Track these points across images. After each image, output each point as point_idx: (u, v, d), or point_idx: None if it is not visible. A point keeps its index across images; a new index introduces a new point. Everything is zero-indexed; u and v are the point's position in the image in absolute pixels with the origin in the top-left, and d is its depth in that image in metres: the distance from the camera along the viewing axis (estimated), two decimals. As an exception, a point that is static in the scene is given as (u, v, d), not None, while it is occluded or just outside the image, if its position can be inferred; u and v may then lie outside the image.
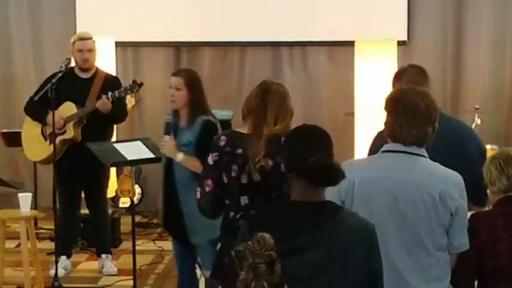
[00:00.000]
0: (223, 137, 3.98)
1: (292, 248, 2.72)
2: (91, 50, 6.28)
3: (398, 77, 4.20)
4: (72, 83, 6.19)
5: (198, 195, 3.96)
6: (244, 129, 3.95)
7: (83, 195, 6.48)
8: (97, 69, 6.37)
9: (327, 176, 2.82)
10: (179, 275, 5.14)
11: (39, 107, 6.15)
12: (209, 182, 3.93)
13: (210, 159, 3.96)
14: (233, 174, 3.90)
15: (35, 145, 6.34)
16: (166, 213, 5.01)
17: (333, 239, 2.79)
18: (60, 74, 5.92)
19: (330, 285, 2.76)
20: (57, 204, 6.13)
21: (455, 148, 3.88)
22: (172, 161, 4.86)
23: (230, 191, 3.91)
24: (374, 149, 3.75)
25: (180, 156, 4.79)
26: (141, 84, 6.19)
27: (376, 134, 4.07)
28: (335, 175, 2.82)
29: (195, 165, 4.71)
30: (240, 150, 3.90)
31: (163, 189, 5.00)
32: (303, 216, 2.81)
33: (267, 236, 2.33)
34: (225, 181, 3.91)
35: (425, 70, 4.23)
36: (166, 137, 4.89)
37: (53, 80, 5.88)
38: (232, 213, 3.91)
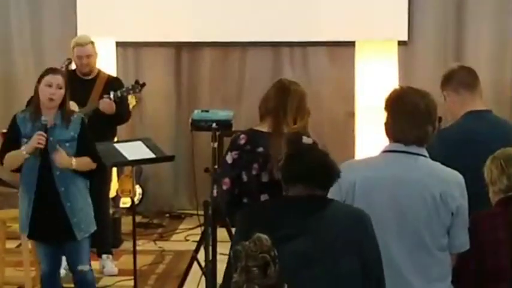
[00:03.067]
0: (242, 136, 4.01)
1: (279, 238, 2.73)
2: (89, 56, 6.25)
3: (449, 78, 4.19)
4: (73, 85, 6.14)
5: (215, 193, 3.99)
6: (263, 128, 3.99)
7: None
8: (99, 71, 6.36)
9: (323, 176, 2.90)
10: (47, 278, 5.07)
11: None
12: (226, 180, 3.96)
13: (229, 158, 3.98)
14: (254, 172, 3.92)
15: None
16: (40, 214, 4.84)
17: (321, 228, 2.85)
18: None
19: (318, 277, 2.80)
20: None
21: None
22: (48, 160, 4.79)
23: (250, 189, 3.93)
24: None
25: (74, 163, 4.80)
26: (143, 85, 6.18)
27: None
28: (331, 175, 2.91)
29: (86, 164, 4.84)
30: (261, 149, 3.93)
31: (35, 192, 4.83)
32: (292, 207, 2.89)
33: (263, 237, 2.34)
34: (245, 179, 3.94)
35: (474, 71, 4.22)
36: (62, 150, 4.79)
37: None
38: None
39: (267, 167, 3.92)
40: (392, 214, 3.24)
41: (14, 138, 4.85)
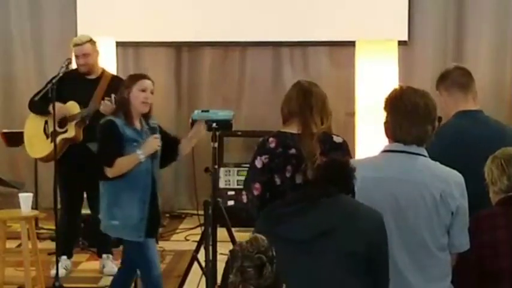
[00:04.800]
0: (272, 139, 3.99)
1: (293, 211, 2.91)
2: (86, 55, 6.20)
3: (443, 78, 4.20)
4: (77, 84, 6.17)
5: (245, 199, 3.97)
6: (291, 130, 3.98)
7: (85, 195, 6.47)
8: (103, 71, 6.34)
9: (339, 174, 3.04)
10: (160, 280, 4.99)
11: (42, 103, 6.13)
12: (257, 185, 3.95)
13: (258, 163, 3.96)
14: (287, 175, 3.91)
15: (36, 142, 6.34)
16: (150, 215, 4.84)
17: (333, 209, 2.98)
18: (61, 74, 5.91)
19: (322, 252, 2.92)
20: (58, 205, 6.12)
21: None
22: (153, 163, 4.84)
23: (283, 192, 3.90)
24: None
25: None
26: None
27: None
28: (347, 174, 3.08)
29: None
30: (293, 151, 3.93)
31: (150, 194, 4.83)
32: (309, 189, 3.05)
33: (260, 237, 2.35)
34: (278, 183, 3.93)
35: (469, 72, 4.23)
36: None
37: (54, 80, 5.88)
38: None
39: (301, 168, 3.91)
40: (392, 214, 3.24)
41: (117, 142, 4.75)
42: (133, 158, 4.74)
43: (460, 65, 4.46)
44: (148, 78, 4.92)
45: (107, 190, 4.86)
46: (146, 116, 4.89)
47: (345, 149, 4.02)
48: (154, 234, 5.00)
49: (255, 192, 3.95)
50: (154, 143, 4.79)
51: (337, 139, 4.03)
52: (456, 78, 4.15)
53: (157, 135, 4.81)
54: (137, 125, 4.85)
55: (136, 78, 4.93)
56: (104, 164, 4.78)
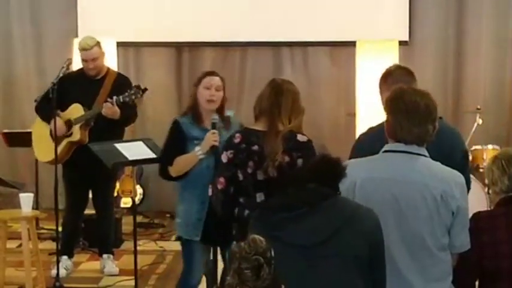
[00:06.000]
0: (237, 135, 4.06)
1: (294, 217, 2.88)
2: (95, 59, 6.19)
3: (384, 78, 4.18)
4: (81, 85, 6.16)
5: (210, 193, 4.00)
6: (258, 127, 4.03)
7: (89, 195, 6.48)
8: (108, 70, 6.33)
9: (329, 174, 2.99)
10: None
11: (48, 108, 6.11)
12: (222, 179, 4.01)
13: (224, 157, 4.01)
14: (249, 170, 3.96)
15: (44, 146, 6.32)
16: (212, 215, 4.53)
17: (332, 212, 2.95)
18: (61, 75, 5.91)
19: (326, 256, 2.89)
20: (62, 205, 6.13)
21: (439, 154, 3.85)
22: (216, 160, 4.59)
23: (245, 188, 3.96)
24: (357, 154, 3.70)
25: None
26: (145, 90, 6.09)
27: (357, 138, 4.04)
28: (337, 171, 3.02)
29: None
30: (256, 147, 3.97)
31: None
32: (304, 192, 2.99)
33: (258, 238, 2.34)
34: (240, 178, 3.97)
35: (412, 71, 4.19)
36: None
37: (54, 81, 5.87)
38: (247, 212, 3.94)
39: (263, 165, 3.95)
40: (392, 214, 3.24)
41: (179, 142, 4.65)
42: (191, 156, 4.60)
43: (402, 64, 4.42)
44: (216, 75, 4.79)
45: (176, 189, 4.81)
46: (219, 112, 4.72)
47: (309, 148, 4.02)
48: (216, 242, 4.65)
49: (219, 186, 4.01)
50: (210, 138, 4.56)
51: (301, 138, 4.04)
52: (398, 77, 4.08)
53: (215, 131, 4.59)
54: (207, 123, 4.69)
55: (202, 76, 4.83)
56: (164, 163, 4.70)
